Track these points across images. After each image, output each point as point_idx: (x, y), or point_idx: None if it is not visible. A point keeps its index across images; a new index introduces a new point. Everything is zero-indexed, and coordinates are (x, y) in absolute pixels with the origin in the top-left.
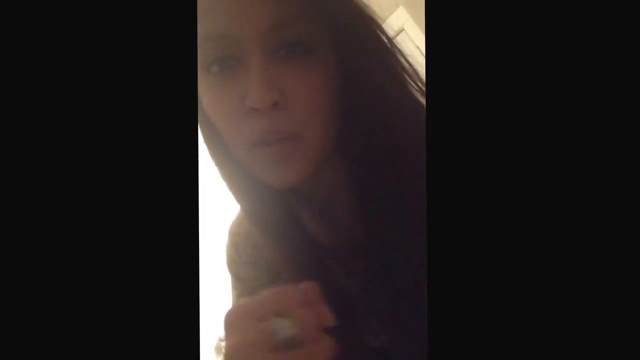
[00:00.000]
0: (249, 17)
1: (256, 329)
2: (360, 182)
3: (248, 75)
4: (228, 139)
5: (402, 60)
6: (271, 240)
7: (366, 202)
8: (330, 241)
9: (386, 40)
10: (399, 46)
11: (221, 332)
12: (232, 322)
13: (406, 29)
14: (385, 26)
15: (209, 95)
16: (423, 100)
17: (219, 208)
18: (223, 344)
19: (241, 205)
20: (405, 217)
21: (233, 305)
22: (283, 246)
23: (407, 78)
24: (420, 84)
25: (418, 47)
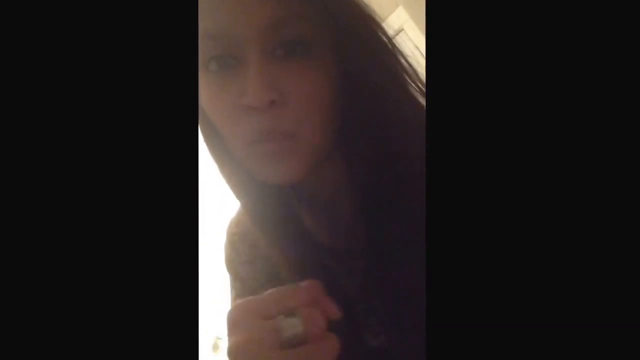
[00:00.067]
0: (248, 16)
1: (262, 327)
2: (361, 182)
3: (246, 74)
4: (226, 137)
5: (402, 60)
6: (271, 239)
7: (366, 202)
8: (330, 241)
9: (386, 40)
10: (398, 46)
11: (219, 331)
12: (236, 319)
13: (406, 29)
14: (385, 26)
15: (208, 93)
16: (423, 101)
17: (219, 207)
18: (220, 341)
19: (241, 204)
20: (405, 217)
21: (236, 303)
22: (283, 246)
23: (407, 78)
24: (420, 85)
25: (418, 48)
